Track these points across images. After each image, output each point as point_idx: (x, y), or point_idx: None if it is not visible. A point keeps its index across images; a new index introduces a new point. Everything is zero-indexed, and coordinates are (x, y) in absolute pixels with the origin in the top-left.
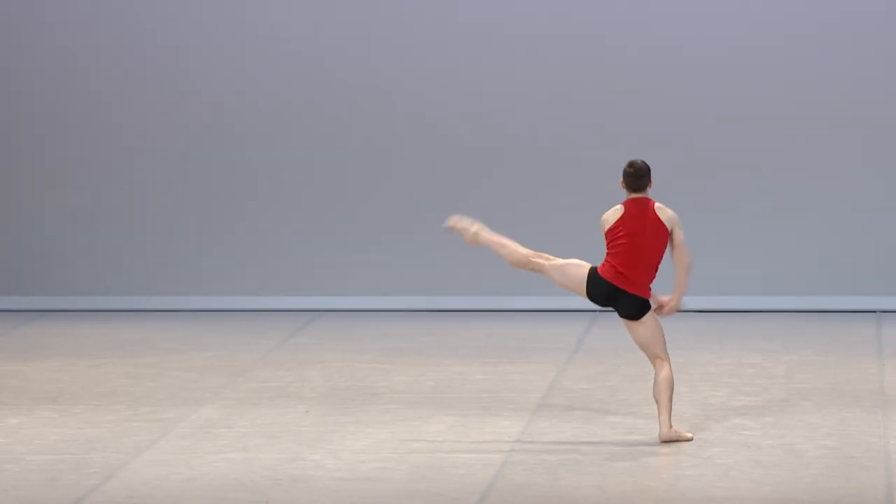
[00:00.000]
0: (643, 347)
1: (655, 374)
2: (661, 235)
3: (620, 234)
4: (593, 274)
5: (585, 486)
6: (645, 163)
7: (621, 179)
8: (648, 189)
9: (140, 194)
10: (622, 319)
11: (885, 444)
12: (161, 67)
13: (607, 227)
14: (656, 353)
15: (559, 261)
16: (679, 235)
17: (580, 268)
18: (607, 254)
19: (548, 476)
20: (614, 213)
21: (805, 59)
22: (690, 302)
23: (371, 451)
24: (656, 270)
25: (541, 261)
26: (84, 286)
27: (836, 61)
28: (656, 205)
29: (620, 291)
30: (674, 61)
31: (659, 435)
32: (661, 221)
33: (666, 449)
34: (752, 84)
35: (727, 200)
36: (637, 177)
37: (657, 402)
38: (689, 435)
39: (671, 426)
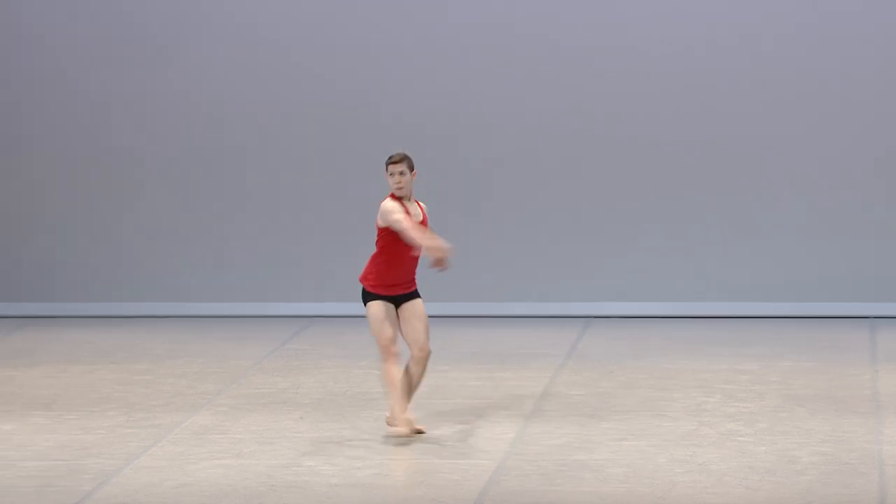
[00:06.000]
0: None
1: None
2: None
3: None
4: None
5: (580, 493)
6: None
7: (414, 171)
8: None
9: (131, 201)
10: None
11: (879, 450)
12: (156, 74)
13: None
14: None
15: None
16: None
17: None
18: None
19: (542, 482)
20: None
21: (803, 60)
22: (686, 308)
23: (366, 458)
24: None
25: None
26: (76, 292)
27: (830, 62)
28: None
29: None
30: (679, 62)
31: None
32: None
33: (661, 456)
34: (754, 85)
35: (719, 205)
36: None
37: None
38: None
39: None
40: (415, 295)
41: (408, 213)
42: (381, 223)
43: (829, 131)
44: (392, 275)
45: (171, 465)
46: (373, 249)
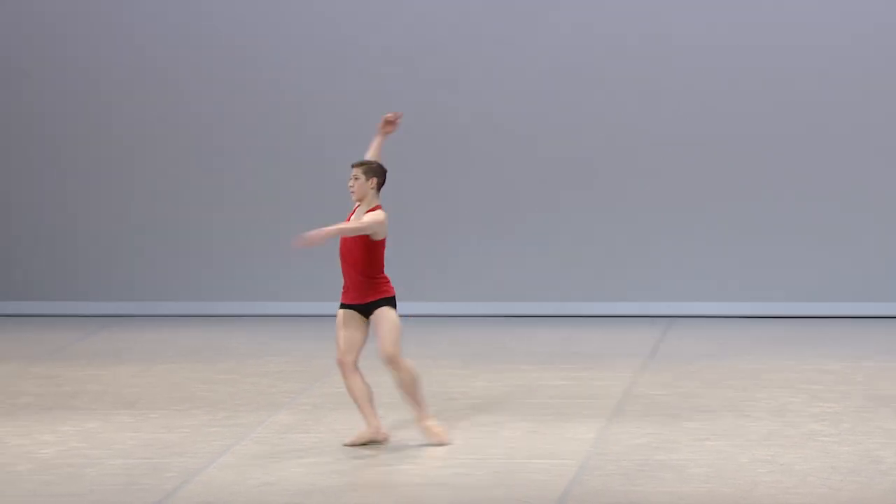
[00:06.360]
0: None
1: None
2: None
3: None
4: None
5: (661, 493)
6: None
7: (381, 181)
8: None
9: (216, 202)
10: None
11: None
12: (245, 78)
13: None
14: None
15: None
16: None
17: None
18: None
19: (624, 482)
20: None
21: (846, 61)
22: (770, 308)
23: (448, 457)
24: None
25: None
26: (160, 292)
27: (879, 63)
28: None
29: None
30: (707, 61)
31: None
32: None
33: (743, 456)
34: (803, 83)
35: (804, 207)
36: None
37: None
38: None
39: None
40: (383, 303)
41: (347, 219)
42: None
43: None
44: (345, 280)
45: (253, 463)
46: (454, 250)
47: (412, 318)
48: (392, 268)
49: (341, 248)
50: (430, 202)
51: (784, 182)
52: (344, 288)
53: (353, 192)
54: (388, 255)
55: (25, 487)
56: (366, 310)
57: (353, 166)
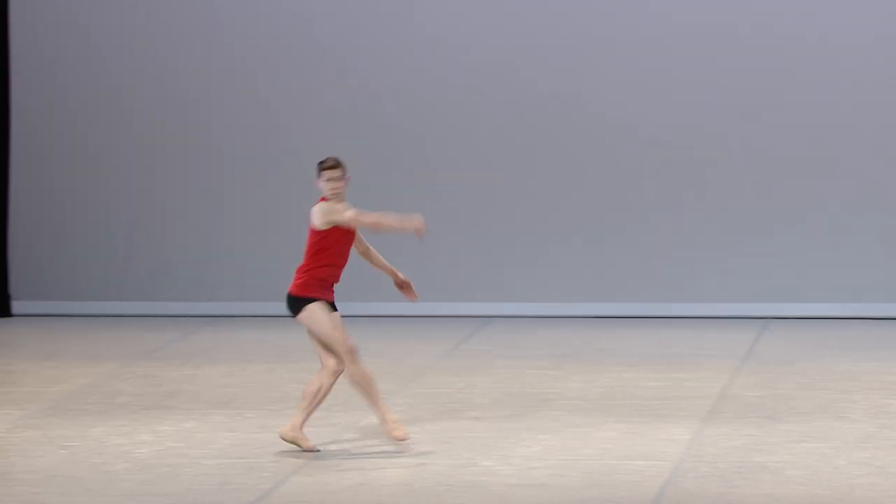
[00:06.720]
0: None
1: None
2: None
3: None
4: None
5: (758, 495)
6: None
7: (347, 177)
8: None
9: (305, 201)
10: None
11: None
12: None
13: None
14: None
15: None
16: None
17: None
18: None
19: (719, 484)
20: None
21: None
22: (866, 310)
23: (542, 458)
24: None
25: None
26: (254, 292)
27: None
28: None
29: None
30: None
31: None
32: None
33: (840, 458)
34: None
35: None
36: None
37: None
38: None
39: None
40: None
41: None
42: (323, 225)
43: None
44: (333, 275)
45: (348, 463)
46: (545, 251)
47: (503, 318)
48: (485, 268)
49: (341, 244)
50: (525, 202)
51: (886, 182)
52: (328, 284)
53: (338, 194)
54: (474, 257)
55: (123, 487)
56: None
57: (330, 168)
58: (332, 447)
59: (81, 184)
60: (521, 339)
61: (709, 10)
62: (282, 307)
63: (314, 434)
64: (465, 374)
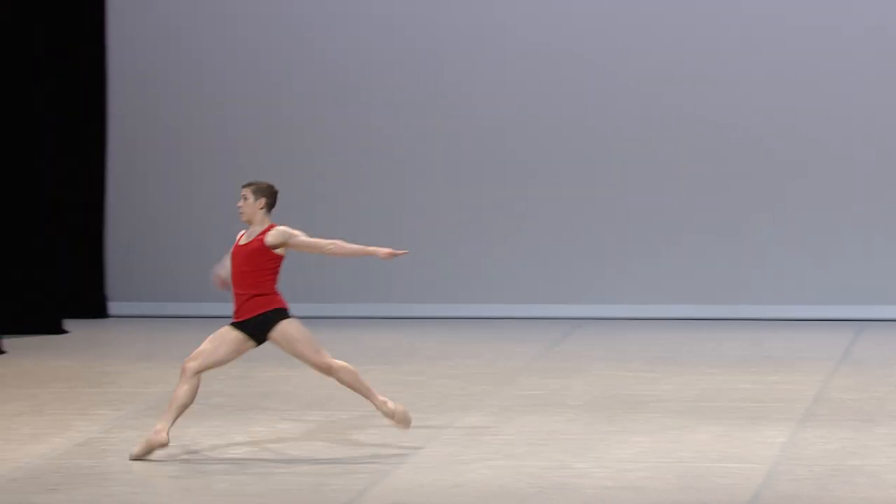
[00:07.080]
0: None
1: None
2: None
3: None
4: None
5: (854, 499)
6: None
7: (271, 202)
8: None
9: (405, 205)
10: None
11: None
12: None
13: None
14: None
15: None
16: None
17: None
18: (273, 280)
19: (815, 487)
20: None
21: None
22: None
23: (637, 460)
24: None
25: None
26: (349, 294)
27: None
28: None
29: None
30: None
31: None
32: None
33: None
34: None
35: None
36: None
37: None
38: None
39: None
40: (275, 315)
41: (236, 243)
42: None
43: None
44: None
45: (442, 465)
46: (640, 254)
47: (596, 321)
48: (577, 270)
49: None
50: (619, 205)
51: None
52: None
53: (241, 214)
54: (568, 260)
55: (219, 487)
56: (251, 324)
57: (242, 187)
58: (427, 448)
59: (175, 187)
60: (613, 342)
61: (814, 14)
62: (381, 308)
63: (408, 435)
64: (559, 376)
